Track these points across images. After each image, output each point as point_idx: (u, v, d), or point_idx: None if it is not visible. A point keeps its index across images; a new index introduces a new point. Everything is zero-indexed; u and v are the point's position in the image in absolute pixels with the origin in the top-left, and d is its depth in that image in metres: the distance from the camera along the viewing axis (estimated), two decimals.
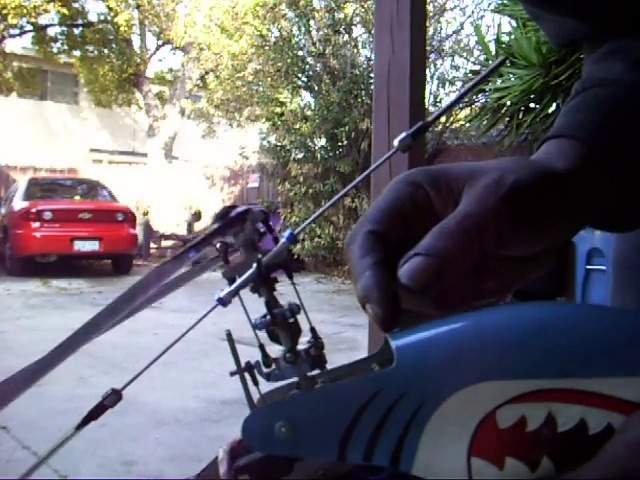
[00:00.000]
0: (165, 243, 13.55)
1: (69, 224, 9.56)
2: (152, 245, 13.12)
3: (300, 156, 9.48)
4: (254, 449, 0.32)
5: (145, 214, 12.52)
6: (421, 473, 0.30)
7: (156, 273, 0.39)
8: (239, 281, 0.35)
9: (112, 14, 17.18)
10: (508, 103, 5.91)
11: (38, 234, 9.41)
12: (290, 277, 0.36)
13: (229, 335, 0.36)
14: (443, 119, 9.06)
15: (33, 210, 9.52)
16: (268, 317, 0.34)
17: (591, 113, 0.45)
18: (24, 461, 2.70)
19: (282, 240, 0.35)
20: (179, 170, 14.48)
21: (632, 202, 0.43)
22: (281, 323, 0.34)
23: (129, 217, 10.26)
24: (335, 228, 9.08)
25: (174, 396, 3.59)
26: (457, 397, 0.30)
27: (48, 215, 9.48)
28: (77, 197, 10.64)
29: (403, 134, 0.36)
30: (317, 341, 0.34)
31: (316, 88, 9.52)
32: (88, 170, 13.93)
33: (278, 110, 9.60)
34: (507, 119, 6.24)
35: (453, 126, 8.96)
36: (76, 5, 17.98)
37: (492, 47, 6.39)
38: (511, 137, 6.38)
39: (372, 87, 1.93)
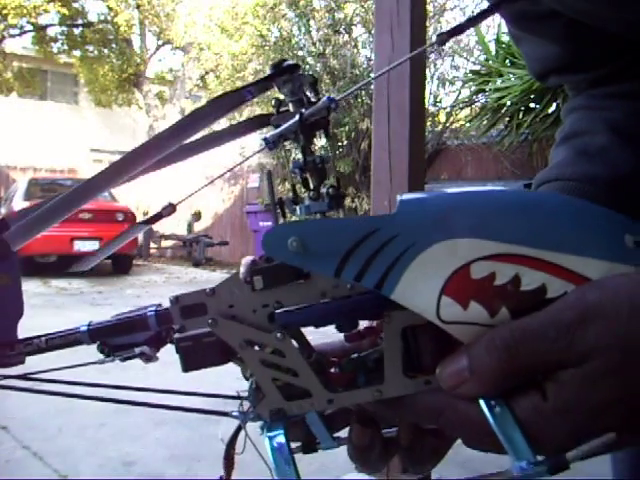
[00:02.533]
0: (165, 243, 13.54)
1: (69, 224, 9.56)
2: (152, 245, 13.12)
3: (300, 156, 9.47)
4: (269, 255, 0.38)
5: (145, 214, 12.52)
6: (398, 298, 0.36)
7: (204, 112, 0.42)
8: (283, 126, 0.40)
9: (112, 14, 17.18)
10: (508, 103, 5.91)
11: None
12: (327, 135, 0.42)
13: (269, 173, 0.46)
14: (443, 119, 9.07)
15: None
16: (301, 160, 0.41)
17: None
18: (24, 461, 2.70)
19: (323, 99, 0.40)
20: (179, 170, 14.48)
21: None
22: (311, 167, 0.41)
23: (129, 217, 10.26)
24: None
25: (174, 396, 3.58)
26: (441, 245, 0.35)
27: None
28: None
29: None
30: (338, 186, 0.41)
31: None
32: (88, 170, 13.93)
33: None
34: (507, 119, 6.25)
35: (453, 126, 8.95)
36: (76, 5, 17.99)
37: (492, 47, 6.40)
38: (511, 137, 6.39)
39: (372, 87, 1.93)
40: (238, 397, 0.41)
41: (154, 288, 8.61)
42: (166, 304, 0.42)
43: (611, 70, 0.60)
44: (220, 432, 0.43)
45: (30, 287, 8.37)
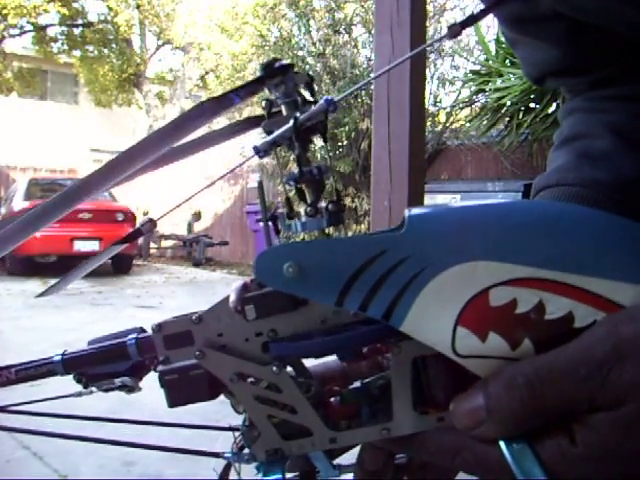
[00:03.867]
0: (165, 243, 13.54)
1: (69, 224, 9.56)
2: (152, 245, 13.12)
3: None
4: (263, 283, 0.35)
5: (145, 214, 12.52)
6: (409, 330, 0.32)
7: (188, 116, 0.38)
8: (275, 133, 0.36)
9: (112, 14, 17.17)
10: (508, 103, 5.91)
11: (38, 234, 9.40)
12: (325, 141, 0.37)
13: (260, 184, 0.40)
14: (443, 119, 9.06)
15: None
16: (297, 172, 0.36)
17: None
18: (24, 461, 2.70)
19: (320, 102, 0.36)
20: (179, 170, 14.48)
21: None
22: (308, 179, 0.36)
23: (129, 217, 10.26)
24: (335, 228, 9.06)
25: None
26: (456, 269, 0.32)
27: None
28: None
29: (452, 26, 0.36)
30: (338, 201, 0.36)
31: (316, 88, 9.51)
32: (88, 170, 13.89)
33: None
34: (507, 119, 6.24)
35: (453, 126, 8.95)
36: (76, 5, 17.98)
37: (492, 47, 6.40)
38: (511, 137, 6.39)
39: (372, 87, 1.93)
40: (230, 429, 0.39)
41: (154, 288, 8.61)
42: (152, 326, 0.39)
43: (610, 73, 0.59)
44: (219, 443, 0.42)
45: (30, 287, 8.36)
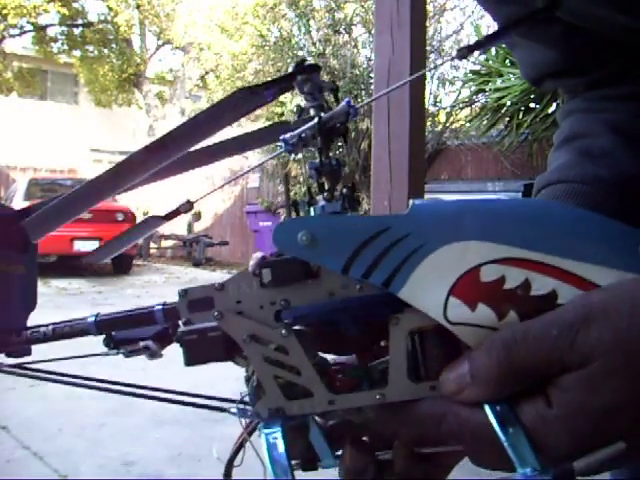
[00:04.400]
0: (165, 243, 13.54)
1: (69, 224, 9.49)
2: (152, 245, 13.12)
3: (300, 156, 9.48)
4: (279, 249, 0.38)
5: (145, 214, 12.52)
6: (406, 297, 0.36)
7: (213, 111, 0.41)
8: (302, 128, 0.41)
9: (112, 14, 17.18)
10: (508, 103, 5.91)
11: None
12: (345, 142, 0.43)
13: (286, 176, 0.44)
14: (443, 119, 9.06)
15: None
16: (318, 161, 0.41)
17: None
18: (24, 461, 2.70)
19: (342, 103, 0.40)
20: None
21: None
22: (327, 170, 0.41)
23: (129, 217, 10.26)
24: None
25: (174, 396, 3.58)
26: (452, 247, 0.35)
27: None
28: None
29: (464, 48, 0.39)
30: (353, 186, 0.41)
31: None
32: (88, 170, 13.92)
33: (278, 110, 9.60)
34: (507, 119, 6.25)
35: (453, 126, 8.95)
36: (76, 5, 17.99)
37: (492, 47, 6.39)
38: (511, 137, 6.39)
39: (372, 87, 1.93)
40: (240, 401, 0.41)
41: (154, 288, 8.61)
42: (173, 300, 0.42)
43: (607, 73, 0.59)
44: (215, 450, 0.43)
45: None
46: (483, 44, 0.39)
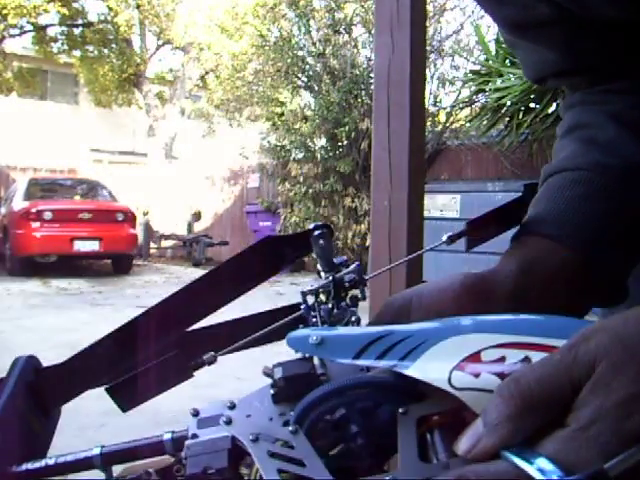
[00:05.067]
0: (165, 243, 13.54)
1: (69, 224, 9.56)
2: (152, 245, 13.12)
3: (300, 156, 9.48)
4: (292, 347, 0.41)
5: (145, 214, 12.52)
6: (411, 374, 0.38)
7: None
8: (318, 284, 0.46)
9: (112, 14, 17.18)
10: (508, 103, 5.91)
11: (38, 234, 9.41)
12: (364, 298, 0.48)
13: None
14: (443, 119, 9.07)
15: (33, 210, 9.52)
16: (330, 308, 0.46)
17: (551, 203, 0.54)
18: None
19: (353, 265, 0.47)
20: (179, 170, 14.48)
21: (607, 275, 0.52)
22: (337, 318, 0.45)
23: (129, 217, 10.26)
24: (335, 228, 9.08)
25: (174, 396, 3.58)
26: (453, 339, 0.38)
27: (48, 215, 9.48)
28: (77, 197, 10.65)
29: None
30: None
31: (316, 88, 9.52)
32: (88, 170, 13.92)
33: (278, 110, 9.60)
34: (507, 119, 6.25)
35: (453, 126, 8.95)
36: (76, 5, 17.99)
37: (492, 47, 6.40)
38: (511, 137, 6.39)
39: (372, 87, 1.93)
40: None
41: (154, 288, 8.62)
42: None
43: (609, 71, 0.59)
44: None
45: (30, 287, 8.37)
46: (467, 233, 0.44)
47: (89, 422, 3.13)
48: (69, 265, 10.07)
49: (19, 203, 9.89)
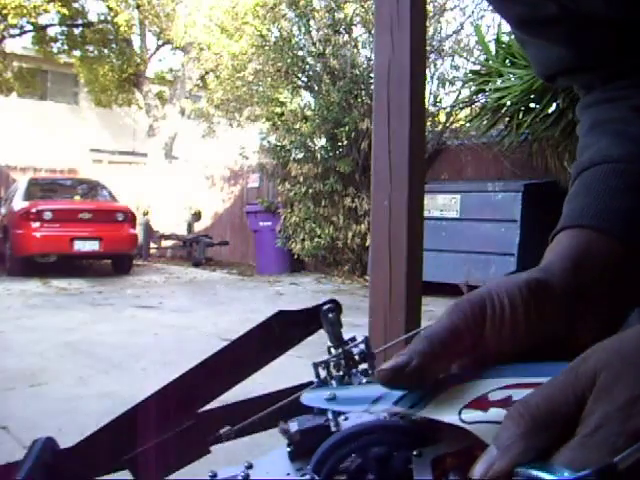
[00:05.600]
0: (165, 243, 13.54)
1: (69, 224, 9.56)
2: (152, 245, 13.12)
3: (300, 156, 9.47)
4: (306, 404, 0.43)
5: (145, 214, 12.52)
6: (424, 415, 0.39)
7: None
8: (329, 356, 0.48)
9: (112, 14, 17.18)
10: (508, 103, 5.91)
11: (38, 234, 9.41)
12: (372, 367, 0.49)
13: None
14: (443, 119, 9.07)
15: (33, 210, 9.52)
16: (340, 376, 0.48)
17: (591, 197, 0.53)
18: None
19: (361, 338, 0.49)
20: (179, 170, 14.48)
21: None
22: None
23: (129, 217, 10.25)
24: (335, 228, 9.07)
25: None
26: (460, 385, 0.40)
27: (48, 215, 9.48)
28: (77, 197, 10.64)
29: None
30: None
31: (316, 88, 9.52)
32: (88, 170, 13.92)
33: (278, 110, 9.60)
34: (507, 119, 6.25)
35: (453, 126, 8.95)
36: (76, 5, 17.98)
37: (492, 47, 6.40)
38: (511, 137, 6.39)
39: (372, 87, 1.93)
40: None
41: (154, 288, 8.61)
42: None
43: (621, 67, 0.59)
44: None
45: (30, 287, 8.37)
46: None
47: (89, 422, 3.13)
48: (69, 265, 10.07)
49: (19, 203, 9.89)
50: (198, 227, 12.91)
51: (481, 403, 0.38)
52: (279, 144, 9.70)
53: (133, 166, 15.29)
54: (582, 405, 0.33)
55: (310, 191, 9.27)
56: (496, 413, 0.37)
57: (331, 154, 9.18)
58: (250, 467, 0.41)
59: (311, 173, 9.21)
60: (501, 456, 0.34)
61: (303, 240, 9.29)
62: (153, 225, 12.92)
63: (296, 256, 9.71)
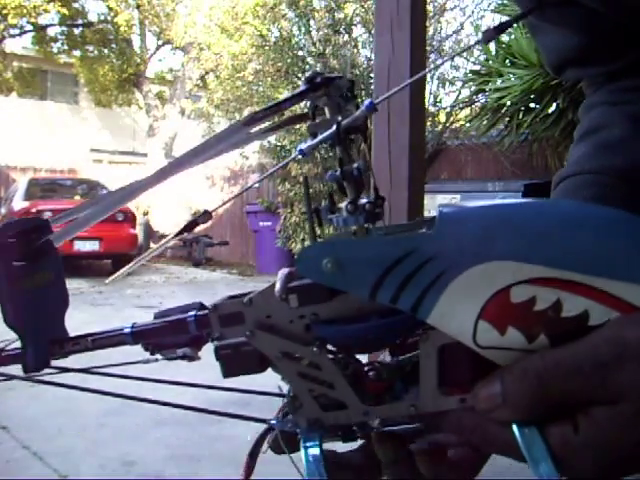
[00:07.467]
0: None
1: (69, 224, 9.55)
2: (152, 245, 13.11)
3: (300, 156, 9.47)
4: (305, 276, 0.38)
5: (145, 214, 12.52)
6: (434, 323, 0.36)
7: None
8: (320, 137, 0.39)
9: (112, 14, 17.16)
10: (508, 103, 5.91)
11: None
12: (365, 140, 0.40)
13: (305, 179, 0.46)
14: (443, 119, 9.06)
15: (33, 210, 9.51)
16: (338, 172, 0.39)
17: None
18: (24, 461, 2.70)
19: (362, 107, 0.38)
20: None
21: None
22: (349, 178, 0.39)
23: (129, 217, 10.25)
24: (335, 228, 9.06)
25: (174, 396, 3.57)
26: (480, 268, 0.34)
27: (48, 215, 9.47)
28: (77, 197, 10.64)
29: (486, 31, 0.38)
30: (377, 199, 0.39)
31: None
32: (88, 170, 13.91)
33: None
34: (507, 119, 6.24)
35: (453, 126, 8.95)
36: (76, 5, 17.97)
37: (492, 47, 6.39)
38: (511, 137, 6.39)
39: (372, 87, 1.93)
40: (279, 395, 0.43)
41: (154, 288, 8.61)
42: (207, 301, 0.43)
43: (629, 62, 0.59)
44: (249, 435, 0.44)
45: None
46: (508, 24, 0.38)
47: (89, 422, 3.13)
48: (69, 265, 10.06)
49: (19, 203, 9.89)
50: (198, 227, 12.88)
51: (499, 309, 0.34)
52: (279, 144, 9.70)
53: (133, 166, 15.28)
54: (593, 402, 0.33)
55: (310, 191, 9.27)
56: (514, 338, 0.34)
57: (331, 154, 9.17)
58: (250, 304, 0.41)
59: (311, 173, 9.21)
60: (504, 408, 0.35)
61: (303, 240, 9.28)
62: (153, 225, 12.92)
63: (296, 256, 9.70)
